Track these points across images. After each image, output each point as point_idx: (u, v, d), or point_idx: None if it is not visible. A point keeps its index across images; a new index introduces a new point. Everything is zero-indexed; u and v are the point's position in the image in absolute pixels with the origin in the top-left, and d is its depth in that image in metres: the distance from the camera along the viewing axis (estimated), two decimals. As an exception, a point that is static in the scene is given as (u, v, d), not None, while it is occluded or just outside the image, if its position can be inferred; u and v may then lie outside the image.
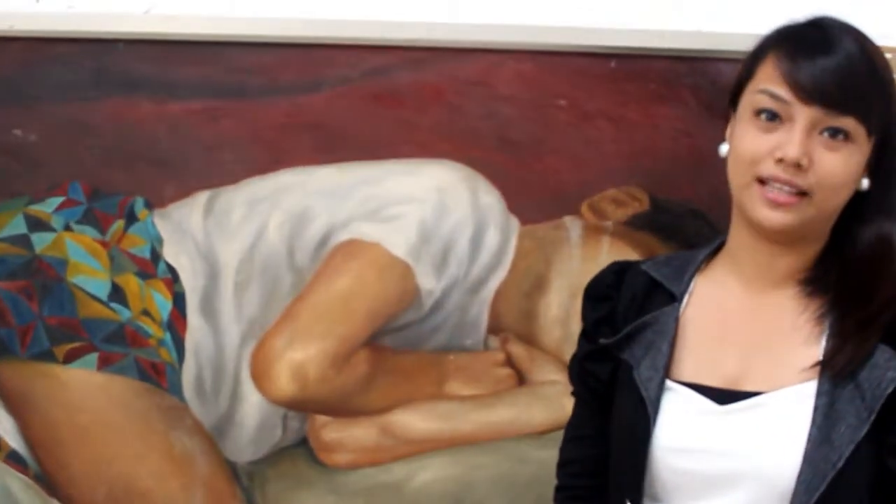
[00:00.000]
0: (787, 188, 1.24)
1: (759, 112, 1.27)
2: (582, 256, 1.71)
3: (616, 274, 1.44)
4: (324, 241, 1.74)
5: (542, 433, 1.67)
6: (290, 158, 1.73)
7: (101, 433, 1.75)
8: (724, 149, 1.32)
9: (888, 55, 1.59)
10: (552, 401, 1.59)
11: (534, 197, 1.72)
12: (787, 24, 1.31)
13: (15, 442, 1.76)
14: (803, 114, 1.23)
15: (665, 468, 1.31)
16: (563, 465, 1.50)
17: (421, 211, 1.72)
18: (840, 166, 1.25)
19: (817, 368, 1.26)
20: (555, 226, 1.73)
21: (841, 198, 1.27)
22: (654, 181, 1.70)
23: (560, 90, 1.71)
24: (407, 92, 1.71)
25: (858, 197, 1.30)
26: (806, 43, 1.27)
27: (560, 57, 1.70)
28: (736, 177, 1.29)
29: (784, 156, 1.22)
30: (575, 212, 1.72)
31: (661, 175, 1.69)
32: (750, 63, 1.31)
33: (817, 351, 1.28)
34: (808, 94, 1.23)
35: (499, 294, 1.74)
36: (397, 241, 1.71)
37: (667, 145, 1.67)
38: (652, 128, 1.69)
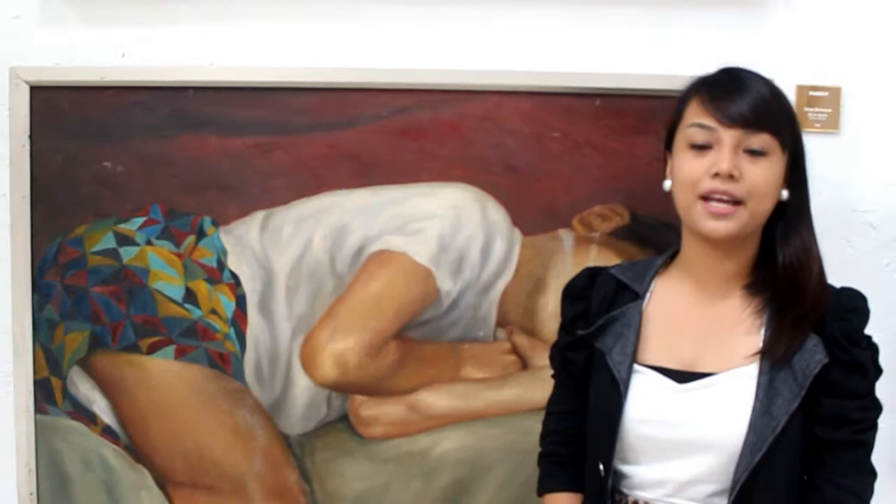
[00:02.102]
0: (725, 198, 1.29)
1: (691, 144, 1.33)
2: (574, 262, 1.72)
3: (589, 278, 1.49)
4: (359, 251, 1.76)
5: (540, 409, 1.64)
6: (331, 183, 1.75)
7: (178, 411, 1.79)
8: (667, 184, 1.40)
9: (820, 93, 1.65)
10: (549, 382, 1.56)
11: (533, 213, 1.74)
12: (703, 75, 1.38)
13: (109, 419, 1.80)
14: (727, 136, 1.30)
15: (634, 436, 1.35)
16: (545, 436, 1.54)
17: (440, 225, 1.74)
18: (764, 176, 1.31)
19: (759, 354, 1.32)
20: (551, 237, 1.75)
21: (768, 204, 1.33)
22: (634, 199, 1.72)
23: (554, 124, 1.73)
24: (427, 127, 1.73)
25: (780, 208, 1.35)
26: (721, 84, 1.35)
27: (553, 97, 1.72)
28: (681, 200, 1.36)
29: (718, 170, 1.29)
30: (567, 225, 1.74)
31: (639, 194, 1.71)
32: (677, 109, 1.39)
33: (757, 339, 1.33)
34: (730, 119, 1.30)
35: (505, 294, 1.76)
36: (420, 250, 1.74)
37: (643, 169, 1.68)
38: (631, 155, 1.71)
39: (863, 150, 1.71)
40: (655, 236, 1.70)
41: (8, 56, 1.74)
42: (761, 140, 1.30)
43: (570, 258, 1.74)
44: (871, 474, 1.34)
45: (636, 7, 1.71)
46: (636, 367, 1.37)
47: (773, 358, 1.30)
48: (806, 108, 1.66)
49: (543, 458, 1.53)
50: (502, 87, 1.72)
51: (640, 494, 1.36)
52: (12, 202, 1.75)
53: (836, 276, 1.38)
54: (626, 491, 1.37)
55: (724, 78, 1.35)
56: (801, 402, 1.28)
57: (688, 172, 1.32)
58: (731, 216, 1.30)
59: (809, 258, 1.34)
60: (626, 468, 1.37)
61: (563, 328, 1.50)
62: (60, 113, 1.75)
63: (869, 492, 1.33)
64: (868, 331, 1.36)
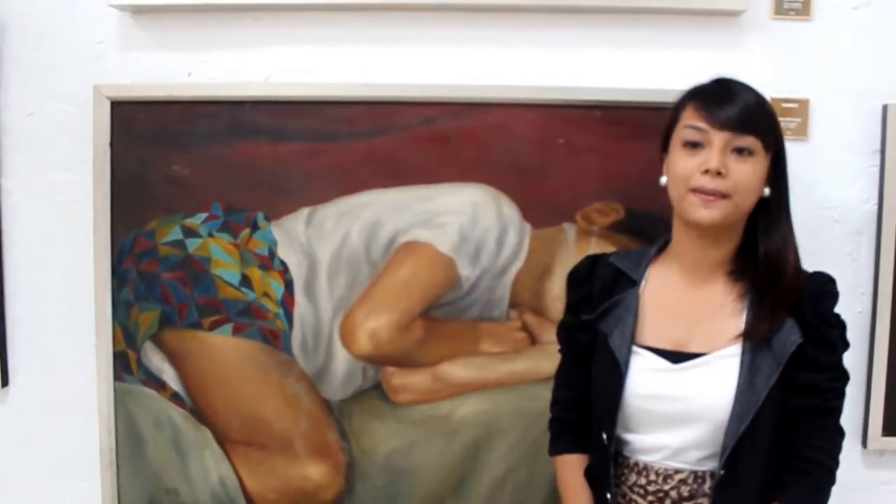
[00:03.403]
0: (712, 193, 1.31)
1: (686, 142, 1.34)
2: (576, 252, 1.72)
3: (590, 264, 1.49)
4: (391, 241, 1.78)
5: (548, 379, 1.65)
6: (367, 183, 1.77)
7: (234, 380, 1.81)
8: (663, 180, 1.40)
9: (791, 105, 1.65)
10: (555, 355, 1.57)
11: (541, 209, 1.75)
12: (698, 84, 1.39)
13: (176, 386, 1.83)
14: (717, 137, 1.31)
15: (633, 409, 1.37)
16: (554, 404, 1.55)
17: (461, 220, 1.76)
18: (748, 173, 1.32)
19: (741, 336, 1.33)
20: (557, 230, 1.76)
21: (752, 199, 1.34)
22: (628, 197, 1.73)
23: (559, 132, 1.74)
24: (449, 135, 1.75)
25: (763, 203, 1.36)
26: (714, 92, 1.36)
27: (559, 108, 1.73)
28: (675, 192, 1.37)
29: (708, 167, 1.31)
30: (571, 219, 1.75)
31: (633, 192, 1.72)
32: (674, 113, 1.39)
33: (740, 322, 1.35)
34: (720, 122, 1.31)
35: (516, 279, 1.77)
36: (444, 241, 1.76)
37: (637, 171, 1.70)
38: (626, 159, 1.72)
39: (828, 154, 1.74)
40: (647, 229, 1.69)
41: (92, 75, 1.78)
42: (747, 141, 1.31)
43: (573, 248, 1.75)
44: (841, 435, 1.38)
45: (630, 30, 1.73)
46: (634, 348, 1.38)
47: (755, 339, 1.33)
48: (779, 118, 1.62)
49: (554, 423, 1.55)
50: (514, 100, 1.73)
51: (640, 458, 1.39)
52: (95, 200, 1.79)
53: (806, 264, 1.40)
54: (627, 454, 1.40)
55: (716, 87, 1.37)
56: (778, 377, 1.31)
57: (681, 168, 1.34)
58: (718, 205, 1.31)
59: (787, 248, 1.36)
60: (627, 436, 1.40)
61: (568, 308, 1.52)
62: (136, 124, 1.78)
63: (838, 450, 1.37)
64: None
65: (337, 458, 1.80)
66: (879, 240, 1.72)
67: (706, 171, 1.30)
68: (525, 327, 1.78)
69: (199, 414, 1.82)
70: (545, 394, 1.60)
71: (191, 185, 1.79)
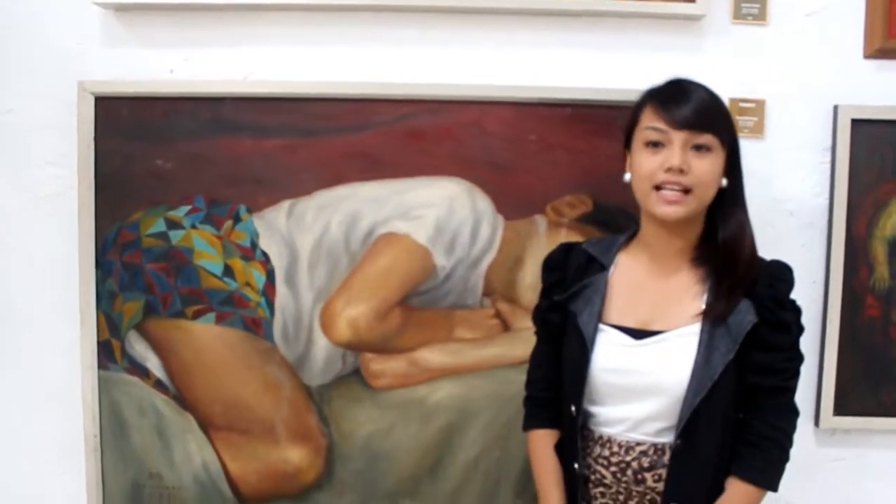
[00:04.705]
0: (676, 188, 1.35)
1: (647, 143, 1.38)
2: (547, 243, 1.75)
3: (564, 251, 1.53)
4: (369, 233, 1.79)
5: (519, 364, 1.72)
6: (346, 177, 1.79)
7: (217, 367, 1.82)
8: (627, 177, 1.45)
9: (748, 104, 1.66)
10: (527, 341, 1.61)
11: (513, 202, 1.78)
12: (654, 85, 1.43)
13: (159, 373, 1.83)
14: (677, 137, 1.36)
15: (600, 383, 1.42)
16: (529, 383, 1.59)
17: (437, 212, 1.78)
18: (708, 168, 1.37)
19: (701, 315, 1.38)
20: (528, 222, 1.78)
21: (711, 192, 1.39)
22: (596, 190, 1.77)
23: (531, 129, 1.77)
24: (426, 131, 1.77)
25: (720, 193, 1.40)
26: (670, 93, 1.40)
27: (531, 106, 1.77)
28: (639, 190, 1.42)
29: (671, 165, 1.35)
30: (542, 212, 1.78)
31: (601, 186, 1.75)
32: (634, 114, 1.44)
33: (701, 304, 1.40)
34: (679, 122, 1.36)
35: (490, 269, 1.79)
36: (420, 233, 1.78)
37: (605, 166, 1.73)
38: (595, 154, 1.76)
39: (783, 151, 1.79)
40: (614, 221, 1.74)
41: (76, 72, 1.79)
42: (705, 139, 1.36)
43: (543, 239, 1.77)
44: (794, 413, 1.42)
45: (598, 33, 1.77)
46: (601, 326, 1.42)
47: (713, 318, 1.37)
48: (737, 117, 1.71)
49: (528, 401, 1.59)
50: (488, 98, 1.76)
51: (605, 430, 1.43)
52: (79, 193, 1.80)
53: (762, 254, 1.44)
54: (592, 427, 1.45)
55: (672, 88, 1.41)
56: (734, 355, 1.35)
57: (645, 167, 1.38)
58: (681, 203, 1.36)
59: (743, 234, 1.41)
60: (592, 408, 1.44)
61: (543, 292, 1.55)
62: (120, 119, 1.79)
63: (792, 428, 1.41)
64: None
65: (317, 441, 1.81)
66: (830, 231, 1.78)
67: (669, 169, 1.34)
68: (498, 315, 1.80)
69: (183, 400, 1.83)
70: (517, 378, 1.64)
71: (174, 179, 1.80)
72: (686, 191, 1.36)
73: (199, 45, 1.79)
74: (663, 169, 1.35)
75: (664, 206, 1.36)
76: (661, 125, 1.37)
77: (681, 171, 1.34)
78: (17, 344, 1.88)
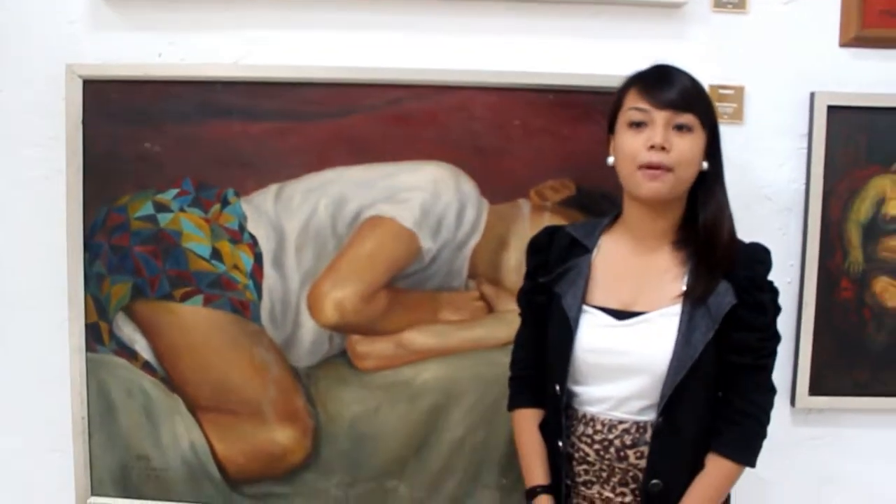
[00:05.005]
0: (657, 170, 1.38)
1: (631, 123, 1.41)
2: (531, 226, 1.76)
3: (548, 234, 1.56)
4: (356, 216, 1.80)
5: (504, 345, 1.74)
6: (334, 161, 1.79)
7: (205, 349, 1.83)
8: (610, 160, 1.47)
9: (727, 91, 1.68)
10: (511, 323, 1.65)
11: (498, 186, 1.79)
12: (638, 70, 1.46)
13: (147, 355, 1.84)
14: (660, 116, 1.39)
15: (582, 363, 1.44)
16: (514, 363, 1.62)
17: (422, 195, 1.79)
18: (689, 147, 1.40)
19: (682, 296, 1.41)
20: (512, 205, 1.80)
21: (692, 171, 1.42)
22: (579, 175, 1.78)
23: (515, 114, 1.78)
24: (412, 115, 1.78)
25: (701, 177, 1.43)
26: (654, 76, 1.43)
27: (515, 91, 1.78)
28: (623, 170, 1.44)
29: (653, 143, 1.38)
30: (525, 195, 1.79)
31: (583, 171, 1.76)
32: (618, 97, 1.46)
33: (682, 285, 1.42)
34: (661, 102, 1.39)
35: (475, 251, 1.81)
36: (406, 216, 1.80)
37: (587, 151, 1.74)
38: (577, 139, 1.77)
39: (761, 137, 1.81)
40: (596, 205, 1.75)
41: (65, 55, 1.79)
42: (686, 118, 1.38)
43: (527, 223, 1.79)
44: (771, 391, 1.45)
45: (581, 20, 1.79)
46: (584, 307, 1.44)
47: (693, 299, 1.39)
48: (717, 103, 1.67)
49: (513, 381, 1.61)
50: (473, 83, 1.77)
51: (588, 409, 1.45)
52: (68, 176, 1.80)
53: (741, 237, 1.46)
54: (576, 406, 1.47)
55: (655, 71, 1.44)
56: (714, 334, 1.38)
57: (628, 146, 1.40)
58: (662, 178, 1.38)
59: (723, 216, 1.43)
60: (576, 388, 1.46)
61: (528, 274, 1.57)
62: (108, 102, 1.79)
63: (770, 405, 1.44)
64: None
65: (304, 422, 1.83)
66: (807, 216, 1.81)
67: (651, 147, 1.37)
68: (482, 297, 1.81)
69: (171, 382, 1.84)
70: (501, 359, 1.66)
71: (162, 162, 1.80)
72: (668, 169, 1.38)
73: (189, 29, 1.80)
74: (646, 147, 1.38)
75: (647, 183, 1.39)
76: (644, 105, 1.40)
77: (662, 149, 1.37)
78: (5, 326, 1.88)
